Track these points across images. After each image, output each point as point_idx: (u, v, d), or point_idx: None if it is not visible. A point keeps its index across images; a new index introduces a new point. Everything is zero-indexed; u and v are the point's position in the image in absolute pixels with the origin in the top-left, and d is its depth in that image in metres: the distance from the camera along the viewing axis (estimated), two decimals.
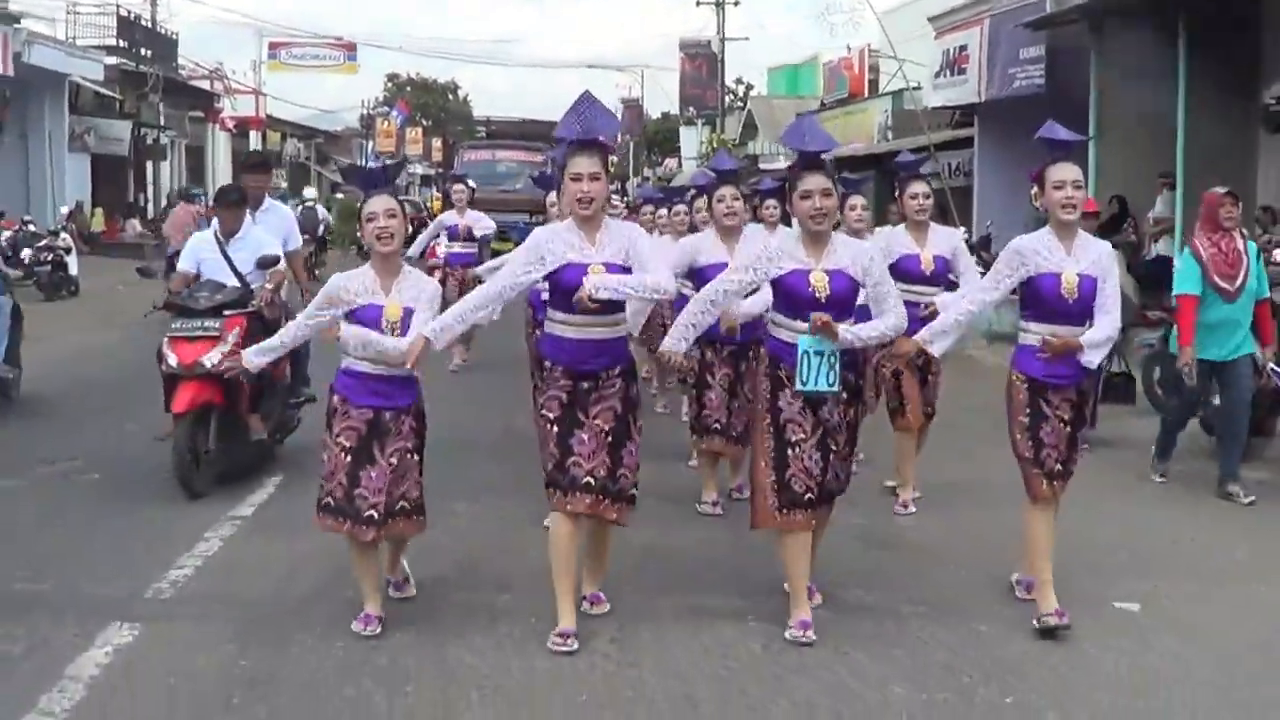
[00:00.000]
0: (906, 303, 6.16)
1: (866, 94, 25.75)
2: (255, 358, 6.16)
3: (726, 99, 50.77)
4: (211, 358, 7.69)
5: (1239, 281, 8.17)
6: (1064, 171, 5.80)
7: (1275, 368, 8.46)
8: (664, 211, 11.22)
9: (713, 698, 4.90)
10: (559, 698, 4.87)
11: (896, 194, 8.24)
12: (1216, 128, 13.25)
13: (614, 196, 14.39)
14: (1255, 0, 12.79)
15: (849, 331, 5.54)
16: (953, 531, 7.25)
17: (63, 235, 22.49)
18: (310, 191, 36.02)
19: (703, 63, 49.85)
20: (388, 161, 23.24)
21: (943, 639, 5.50)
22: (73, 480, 8.19)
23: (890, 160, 10.35)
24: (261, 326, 7.83)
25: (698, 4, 48.00)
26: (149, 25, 36.31)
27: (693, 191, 10.13)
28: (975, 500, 7.92)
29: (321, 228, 28.28)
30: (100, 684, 4.87)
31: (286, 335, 6.13)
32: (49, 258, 21.04)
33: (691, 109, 51.21)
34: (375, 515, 5.56)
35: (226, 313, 7.92)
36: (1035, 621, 5.61)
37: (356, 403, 5.66)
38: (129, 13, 34.64)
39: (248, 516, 7.35)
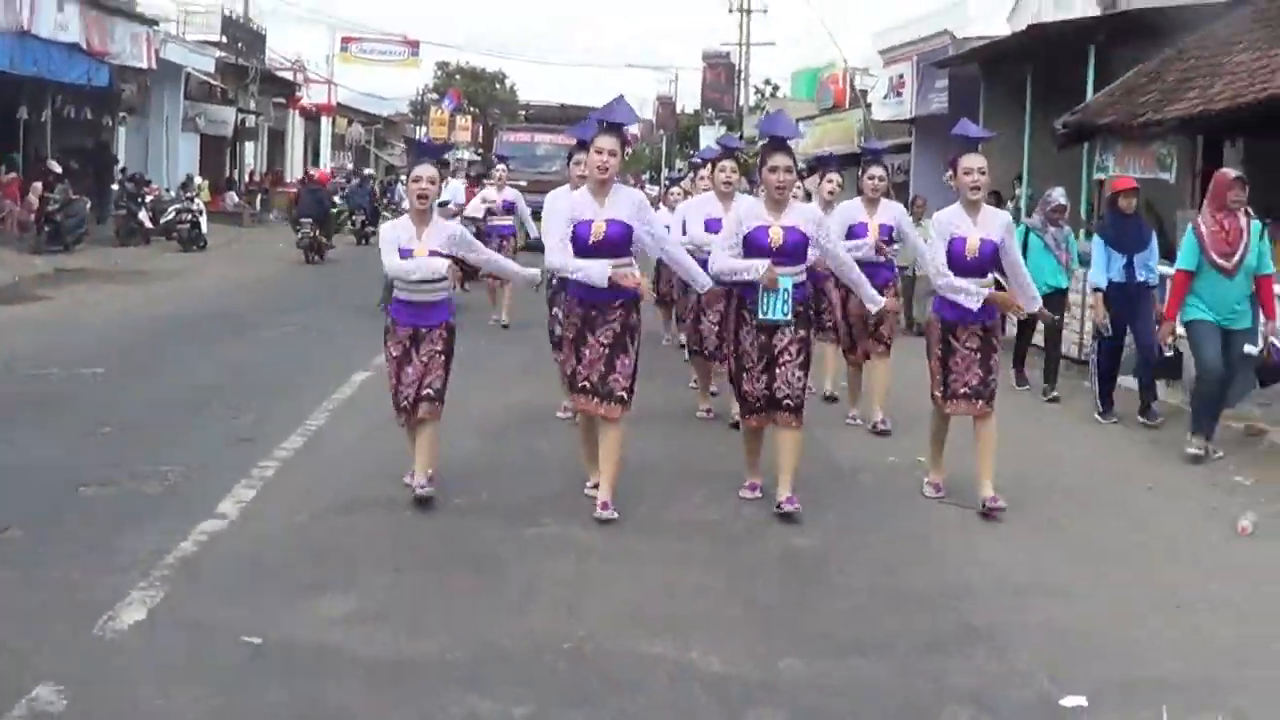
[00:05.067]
0: (859, 260, 7.51)
1: (847, 105, 30.40)
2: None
3: (754, 98, 53.79)
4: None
5: (1237, 258, 8.26)
6: (971, 161, 6.64)
7: (1276, 340, 8.33)
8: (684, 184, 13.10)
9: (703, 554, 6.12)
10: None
11: (860, 173, 9.17)
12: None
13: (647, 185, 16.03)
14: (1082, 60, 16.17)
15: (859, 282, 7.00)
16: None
17: (197, 201, 27.05)
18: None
19: (721, 71, 53.70)
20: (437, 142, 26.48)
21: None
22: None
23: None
24: None
25: (730, 11, 53.08)
26: (243, 21, 39.72)
27: (700, 162, 11.54)
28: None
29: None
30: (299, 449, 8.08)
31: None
32: (188, 218, 25.70)
33: (711, 110, 54.58)
34: (406, 404, 6.57)
35: None
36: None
37: (402, 323, 6.65)
38: (230, 13, 38.40)
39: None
